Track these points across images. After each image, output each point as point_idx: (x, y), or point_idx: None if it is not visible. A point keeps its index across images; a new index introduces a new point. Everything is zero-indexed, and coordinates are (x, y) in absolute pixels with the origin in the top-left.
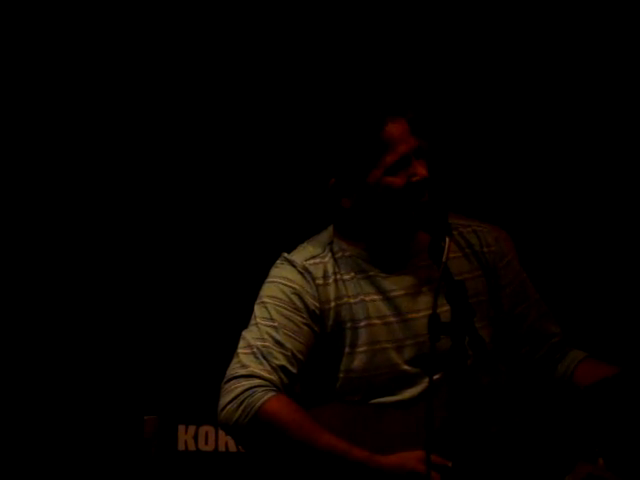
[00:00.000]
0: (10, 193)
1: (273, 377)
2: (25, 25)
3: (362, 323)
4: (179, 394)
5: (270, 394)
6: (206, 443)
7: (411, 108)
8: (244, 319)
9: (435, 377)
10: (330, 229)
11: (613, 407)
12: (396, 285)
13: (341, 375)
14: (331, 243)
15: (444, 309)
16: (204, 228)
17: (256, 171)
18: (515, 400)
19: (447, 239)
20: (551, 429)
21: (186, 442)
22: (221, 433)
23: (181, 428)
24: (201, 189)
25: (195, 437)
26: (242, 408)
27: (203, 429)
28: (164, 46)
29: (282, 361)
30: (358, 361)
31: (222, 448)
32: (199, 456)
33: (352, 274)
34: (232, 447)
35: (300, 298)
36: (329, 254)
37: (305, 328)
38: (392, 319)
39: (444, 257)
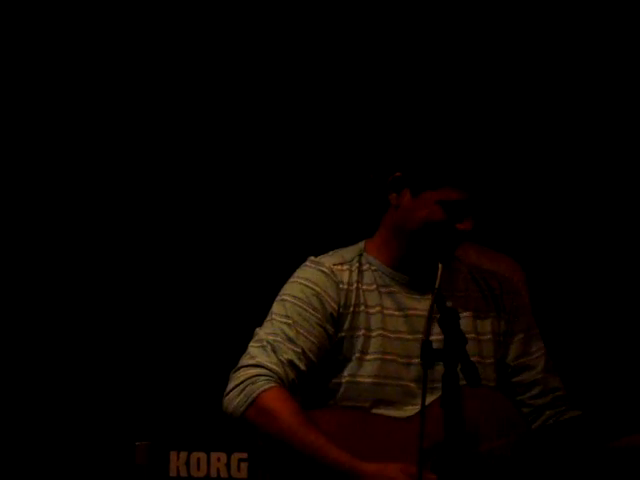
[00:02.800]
0: (10, 193)
1: (279, 369)
2: (25, 25)
3: (375, 332)
4: (171, 420)
5: (271, 384)
6: (198, 469)
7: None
8: (237, 346)
9: (432, 400)
10: (361, 244)
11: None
12: (417, 305)
13: (346, 380)
14: (360, 256)
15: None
16: (212, 243)
17: (286, 178)
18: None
19: (440, 266)
20: (540, 451)
21: (178, 468)
22: (213, 459)
23: (173, 454)
24: (221, 196)
25: (187, 463)
26: (243, 394)
27: (195, 455)
28: (171, 46)
29: (291, 356)
30: (366, 368)
31: (214, 474)
32: None
33: (375, 286)
34: (224, 473)
35: (319, 300)
36: (356, 264)
37: (319, 329)
38: (407, 336)
39: (437, 283)
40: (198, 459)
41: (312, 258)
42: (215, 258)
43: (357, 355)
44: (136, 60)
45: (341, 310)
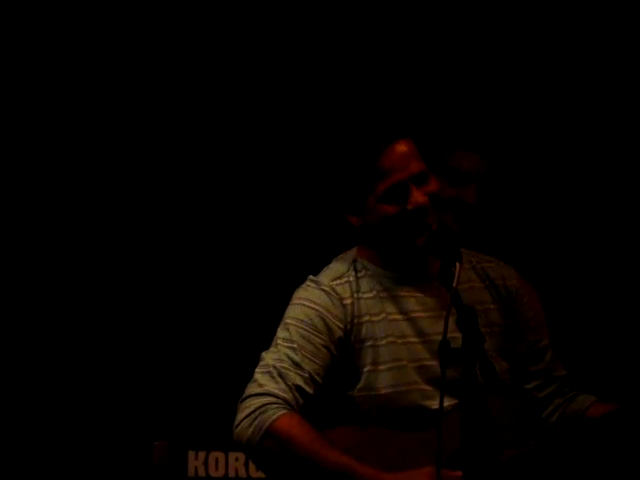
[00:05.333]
0: (10, 193)
1: (287, 396)
2: (25, 25)
3: (383, 341)
4: (189, 420)
5: (282, 411)
6: (216, 469)
7: (415, 131)
8: (254, 346)
9: (450, 403)
10: (355, 249)
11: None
12: (419, 306)
13: (363, 394)
14: (355, 262)
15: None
16: (219, 252)
17: (277, 191)
18: (529, 428)
19: (457, 265)
20: (563, 457)
21: (196, 468)
22: (231, 459)
23: (191, 454)
24: (219, 211)
25: (205, 463)
26: (254, 425)
27: (213, 455)
28: (167, 47)
29: (298, 381)
30: (382, 379)
31: (232, 474)
32: None
33: (374, 292)
34: (242, 473)
35: (323, 320)
36: (352, 272)
37: (324, 350)
38: (413, 339)
39: (454, 282)
40: (216, 459)
41: (311, 277)
42: (230, 261)
43: (369, 368)
44: (136, 60)
45: (347, 327)
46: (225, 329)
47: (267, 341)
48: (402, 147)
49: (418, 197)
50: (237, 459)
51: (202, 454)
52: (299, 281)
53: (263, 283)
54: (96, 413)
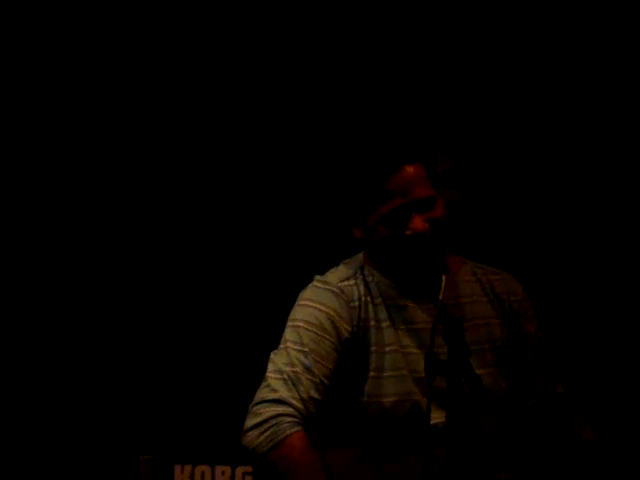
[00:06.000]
0: (10, 193)
1: (300, 406)
2: (25, 25)
3: (387, 349)
4: (175, 434)
5: (296, 428)
6: None
7: (426, 156)
8: (238, 357)
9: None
10: (361, 255)
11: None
12: (422, 318)
13: (368, 400)
14: (362, 267)
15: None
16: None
17: (285, 192)
18: (522, 448)
19: (443, 277)
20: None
21: None
22: (217, 472)
23: (177, 468)
24: (220, 210)
25: (191, 477)
26: (266, 435)
27: (199, 469)
28: (171, 46)
29: (311, 390)
30: (386, 387)
31: None
32: None
33: (381, 299)
34: None
35: (332, 323)
36: (361, 276)
37: (333, 353)
38: (414, 350)
39: (440, 295)
40: (202, 472)
41: (318, 277)
42: (222, 270)
43: (373, 374)
44: (136, 60)
45: (354, 330)
46: (212, 343)
47: (253, 355)
48: (409, 172)
49: (417, 224)
50: (223, 473)
51: (188, 468)
52: (300, 284)
53: (257, 292)
54: (82, 427)
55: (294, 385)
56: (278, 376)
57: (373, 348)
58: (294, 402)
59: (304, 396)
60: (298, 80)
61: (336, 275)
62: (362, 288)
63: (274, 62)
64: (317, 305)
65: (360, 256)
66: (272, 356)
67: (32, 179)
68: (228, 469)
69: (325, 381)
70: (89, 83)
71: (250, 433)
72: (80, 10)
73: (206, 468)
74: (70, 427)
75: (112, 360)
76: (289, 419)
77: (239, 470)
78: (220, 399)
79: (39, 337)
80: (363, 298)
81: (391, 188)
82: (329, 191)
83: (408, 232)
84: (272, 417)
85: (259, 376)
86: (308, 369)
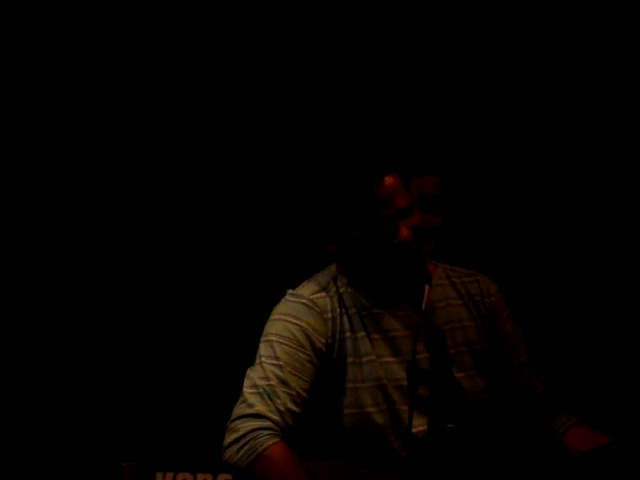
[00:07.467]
0: (10, 193)
1: (278, 418)
2: (25, 25)
3: (364, 359)
4: (157, 441)
5: (274, 440)
6: None
7: (403, 163)
8: (220, 365)
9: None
10: (334, 266)
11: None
12: (397, 325)
13: (349, 411)
14: (335, 278)
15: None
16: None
17: (261, 204)
18: (506, 456)
19: (426, 287)
20: None
21: None
22: None
23: (159, 475)
24: (206, 222)
25: None
26: (245, 449)
27: (181, 476)
28: (171, 46)
29: (287, 402)
30: (366, 396)
31: None
32: None
33: (354, 310)
34: None
35: (306, 336)
36: (334, 288)
37: (309, 366)
38: (390, 359)
39: (423, 305)
40: None
41: (290, 291)
42: (206, 279)
43: (350, 385)
44: (136, 60)
45: (329, 341)
46: (193, 352)
47: (236, 363)
48: (390, 181)
49: (404, 232)
50: None
51: (170, 475)
52: (275, 297)
53: (237, 306)
54: (65, 433)
55: (270, 399)
56: (254, 391)
57: (350, 359)
58: (271, 415)
59: (281, 408)
60: (276, 97)
61: (308, 288)
62: (335, 300)
63: (259, 74)
64: (290, 319)
65: (333, 267)
66: (248, 372)
67: (32, 179)
68: (210, 477)
69: (302, 393)
70: (89, 83)
71: (229, 449)
72: (80, 10)
73: (188, 475)
74: (53, 433)
75: (95, 368)
76: (267, 432)
77: (221, 477)
78: (202, 407)
79: (23, 341)
80: (337, 310)
81: (377, 198)
82: (307, 208)
83: (396, 240)
84: (250, 432)
85: (240, 384)
86: (284, 382)
